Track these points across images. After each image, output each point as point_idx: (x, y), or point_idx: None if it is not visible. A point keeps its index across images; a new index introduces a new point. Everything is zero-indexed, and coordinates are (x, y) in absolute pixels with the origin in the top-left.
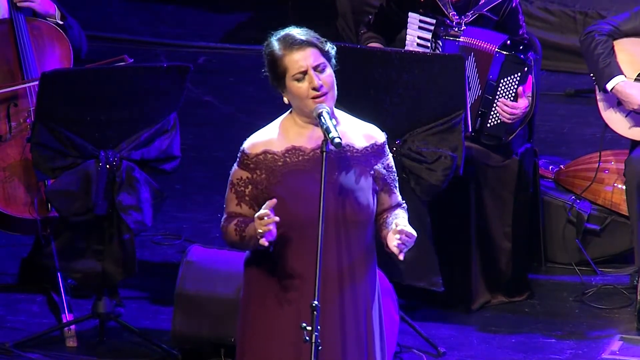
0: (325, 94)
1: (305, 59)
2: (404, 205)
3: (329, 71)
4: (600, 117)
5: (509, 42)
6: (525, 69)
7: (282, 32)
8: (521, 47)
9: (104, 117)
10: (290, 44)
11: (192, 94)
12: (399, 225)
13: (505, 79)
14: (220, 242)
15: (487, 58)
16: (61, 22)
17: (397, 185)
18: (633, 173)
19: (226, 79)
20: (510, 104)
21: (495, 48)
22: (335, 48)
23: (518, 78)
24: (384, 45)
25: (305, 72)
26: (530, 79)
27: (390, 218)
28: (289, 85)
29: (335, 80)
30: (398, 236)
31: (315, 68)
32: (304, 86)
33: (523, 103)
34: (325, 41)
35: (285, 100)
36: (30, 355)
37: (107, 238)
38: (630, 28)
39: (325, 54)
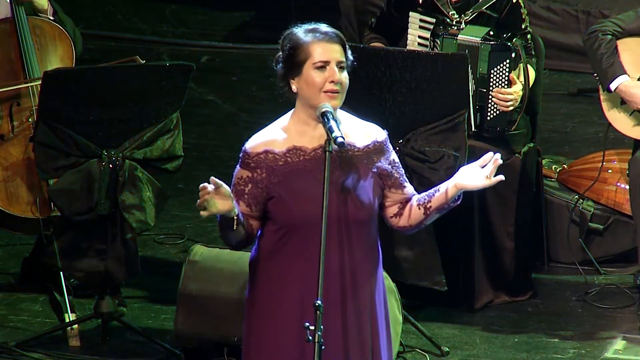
0: (337, 92)
1: (333, 52)
2: (415, 192)
3: (346, 74)
4: (603, 117)
5: (491, 32)
6: (513, 54)
7: (312, 24)
8: (505, 35)
9: (106, 116)
10: (322, 33)
11: (195, 93)
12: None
13: (496, 69)
14: (223, 242)
15: (475, 52)
16: (52, 18)
17: (406, 179)
18: (637, 173)
19: (229, 78)
20: (504, 91)
21: (478, 40)
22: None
23: (508, 65)
24: (386, 46)
25: (328, 63)
26: (521, 64)
27: (426, 193)
28: (307, 74)
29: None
30: (490, 166)
31: (338, 63)
32: (322, 76)
33: (517, 87)
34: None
35: (294, 88)
36: (32, 354)
37: (110, 237)
38: (634, 27)
39: (347, 57)
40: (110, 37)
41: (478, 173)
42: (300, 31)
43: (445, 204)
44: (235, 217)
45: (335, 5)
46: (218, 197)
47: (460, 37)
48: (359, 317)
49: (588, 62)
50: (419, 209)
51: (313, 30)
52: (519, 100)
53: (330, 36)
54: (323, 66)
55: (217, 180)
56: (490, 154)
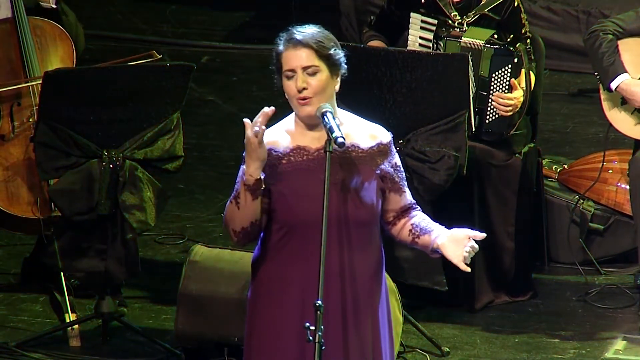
0: (307, 98)
1: (297, 59)
2: (418, 207)
3: (322, 76)
4: (604, 117)
5: (495, 35)
6: (515, 60)
7: (292, 28)
8: (508, 39)
9: (107, 116)
10: (289, 41)
11: (195, 93)
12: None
13: (497, 73)
14: (223, 242)
15: (478, 55)
16: (54, 7)
17: (406, 184)
18: (637, 173)
19: (229, 78)
20: (505, 96)
21: (481, 44)
22: (343, 53)
23: (509, 70)
24: (386, 44)
25: (294, 71)
26: (523, 70)
27: (423, 224)
28: (282, 82)
29: (330, 87)
30: (468, 249)
31: (304, 69)
32: (292, 85)
33: (518, 93)
34: (331, 46)
35: (287, 95)
36: (33, 355)
37: (110, 238)
38: (635, 27)
39: (325, 57)
40: (110, 37)
41: (460, 249)
42: (282, 39)
43: (427, 248)
44: (261, 178)
45: (335, 5)
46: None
47: (463, 39)
48: (359, 318)
49: (589, 61)
50: (409, 234)
51: (286, 37)
52: (519, 106)
53: (296, 42)
54: (291, 75)
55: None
56: (483, 235)
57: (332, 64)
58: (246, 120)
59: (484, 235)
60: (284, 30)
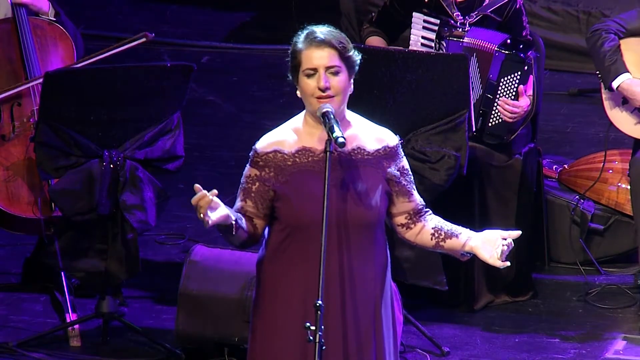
0: (330, 97)
1: (321, 58)
2: (429, 209)
3: (342, 77)
4: (605, 116)
5: (509, 41)
6: (526, 67)
7: (311, 27)
8: (521, 46)
9: (107, 116)
10: (311, 40)
11: (195, 93)
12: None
13: (506, 78)
14: (223, 242)
15: (488, 57)
16: (54, 20)
17: (414, 187)
18: (638, 173)
19: (230, 78)
20: (511, 103)
21: (495, 47)
22: (360, 56)
23: (518, 77)
24: (385, 40)
25: (316, 70)
26: (531, 78)
27: (447, 227)
28: (300, 80)
29: (348, 87)
30: (504, 246)
31: (327, 69)
32: (311, 84)
33: (524, 102)
34: (351, 48)
35: (298, 93)
36: (33, 354)
37: (111, 237)
38: (637, 27)
39: (346, 59)
40: (111, 37)
41: (494, 249)
42: (301, 36)
43: (457, 252)
44: (233, 223)
45: (335, 5)
46: (210, 209)
47: (466, 39)
48: (358, 319)
49: (590, 60)
50: (431, 238)
51: (308, 36)
52: (524, 115)
53: (319, 41)
54: (312, 73)
55: (200, 187)
56: (518, 233)
57: (350, 66)
58: (196, 187)
59: (519, 233)
60: (303, 30)
